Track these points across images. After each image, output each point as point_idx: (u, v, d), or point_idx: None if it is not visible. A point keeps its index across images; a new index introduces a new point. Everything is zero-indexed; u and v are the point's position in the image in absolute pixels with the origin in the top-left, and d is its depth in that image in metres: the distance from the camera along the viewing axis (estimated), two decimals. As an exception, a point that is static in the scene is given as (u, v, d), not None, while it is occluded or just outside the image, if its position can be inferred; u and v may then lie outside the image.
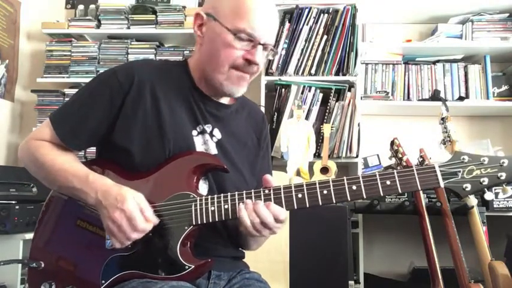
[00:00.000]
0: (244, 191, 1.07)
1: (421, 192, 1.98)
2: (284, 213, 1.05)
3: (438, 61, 2.95)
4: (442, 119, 1.99)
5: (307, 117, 2.70)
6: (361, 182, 1.03)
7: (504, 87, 2.92)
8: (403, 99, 2.89)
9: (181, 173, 1.12)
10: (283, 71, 2.76)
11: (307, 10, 2.77)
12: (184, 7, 2.90)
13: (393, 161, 2.05)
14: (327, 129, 2.63)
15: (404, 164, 1.94)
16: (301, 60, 2.75)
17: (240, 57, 1.13)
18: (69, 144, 1.17)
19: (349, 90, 2.75)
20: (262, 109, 2.49)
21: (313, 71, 2.75)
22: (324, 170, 2.55)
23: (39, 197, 2.29)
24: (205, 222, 1.07)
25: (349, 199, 1.04)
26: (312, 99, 2.73)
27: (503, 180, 0.99)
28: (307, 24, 2.76)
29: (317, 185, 1.04)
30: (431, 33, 2.98)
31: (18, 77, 3.11)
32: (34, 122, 2.89)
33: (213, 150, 1.19)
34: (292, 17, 2.79)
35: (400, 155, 1.98)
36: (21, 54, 3.13)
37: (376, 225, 2.81)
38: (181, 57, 2.88)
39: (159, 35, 2.95)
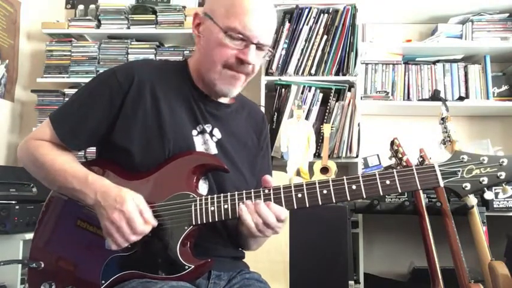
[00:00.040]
0: (244, 191, 1.07)
1: (421, 192, 1.99)
2: (285, 212, 1.05)
3: (438, 61, 2.95)
4: (442, 119, 1.99)
5: (307, 117, 2.70)
6: (361, 181, 1.03)
7: (504, 87, 2.92)
8: (403, 99, 2.89)
9: (181, 173, 1.12)
10: (283, 71, 2.76)
11: (307, 10, 2.77)
12: (184, 7, 2.91)
13: (393, 161, 2.05)
14: (327, 129, 2.63)
15: (404, 164, 1.95)
16: (301, 60, 2.75)
17: (232, 57, 1.13)
18: (68, 144, 1.17)
19: (349, 90, 2.75)
20: (262, 109, 2.50)
21: (313, 71, 2.75)
22: (324, 170, 2.55)
23: (39, 197, 2.29)
24: (205, 222, 1.07)
25: (348, 199, 1.04)
26: (312, 99, 2.73)
27: (502, 179, 0.99)
28: (307, 24, 2.76)
29: (317, 185, 1.04)
30: (431, 33, 2.98)
31: (18, 77, 3.11)
32: (34, 122, 2.90)
33: (213, 150, 1.19)
34: (292, 17, 2.79)
35: (400, 155, 1.98)
36: (21, 54, 3.13)
37: (376, 225, 2.81)
38: (181, 57, 2.88)
39: (159, 35, 2.95)
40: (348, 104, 2.72)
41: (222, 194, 1.08)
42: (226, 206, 1.07)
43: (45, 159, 1.14)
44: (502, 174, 0.99)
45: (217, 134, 1.21)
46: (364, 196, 1.03)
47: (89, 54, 2.93)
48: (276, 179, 1.10)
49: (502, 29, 2.86)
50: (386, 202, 2.27)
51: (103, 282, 1.08)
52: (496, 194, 2.39)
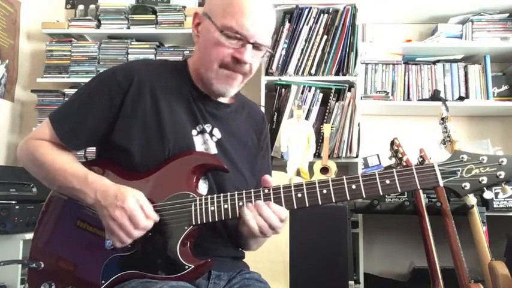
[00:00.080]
0: (244, 191, 1.07)
1: (421, 192, 1.99)
2: (285, 212, 1.05)
3: (438, 61, 2.95)
4: (442, 119, 1.99)
5: (307, 117, 2.70)
6: (361, 181, 1.03)
7: (504, 87, 2.92)
8: (403, 99, 2.89)
9: (181, 173, 1.12)
10: (283, 71, 2.76)
11: (307, 10, 2.77)
12: (184, 7, 2.91)
13: (393, 161, 2.05)
14: (327, 129, 2.63)
15: (404, 164, 1.95)
16: (301, 60, 2.75)
17: (228, 56, 1.13)
18: (68, 144, 1.17)
19: (349, 90, 2.75)
20: (262, 109, 2.50)
21: (313, 71, 2.75)
22: (324, 170, 2.55)
23: (39, 197, 2.29)
24: (205, 222, 1.07)
25: (348, 198, 1.04)
26: (312, 99, 2.73)
27: (502, 179, 0.99)
28: (307, 24, 2.76)
29: (316, 185, 1.04)
30: (431, 33, 2.98)
31: (18, 77, 3.11)
32: (34, 122, 2.89)
33: (213, 150, 1.19)
34: (292, 17, 2.79)
35: (400, 155, 1.98)
36: (21, 54, 3.13)
37: (376, 225, 2.81)
38: (181, 57, 2.88)
39: (159, 35, 2.95)
40: (348, 104, 2.72)
41: (222, 194, 1.08)
42: (226, 206, 1.07)
43: (45, 158, 1.14)
44: (502, 174, 0.99)
45: (217, 133, 1.21)
46: (364, 196, 1.03)
47: (89, 54, 2.93)
48: (276, 179, 1.10)
49: (502, 29, 2.86)
50: (386, 202, 2.27)
51: (103, 282, 1.08)
52: (496, 194, 2.39)
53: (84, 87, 1.21)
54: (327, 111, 2.73)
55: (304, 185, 1.05)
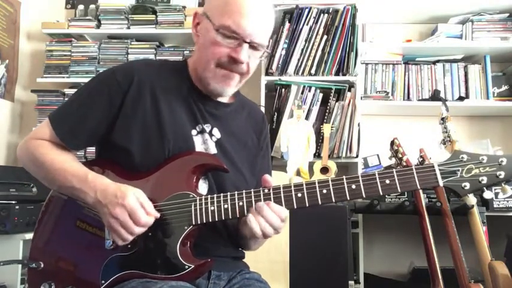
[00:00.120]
0: (244, 191, 1.07)
1: (421, 192, 1.98)
2: (285, 212, 1.05)
3: (438, 61, 2.95)
4: (442, 119, 1.99)
5: (307, 117, 2.70)
6: (361, 181, 1.03)
7: (504, 87, 2.92)
8: (403, 99, 2.89)
9: (181, 172, 1.12)
10: (283, 71, 2.76)
11: (307, 10, 2.77)
12: (184, 7, 2.91)
13: (393, 161, 2.05)
14: (327, 129, 2.63)
15: (404, 164, 1.94)
16: (301, 60, 2.75)
17: (225, 55, 1.13)
18: (68, 144, 1.17)
19: (349, 90, 2.75)
20: (262, 109, 2.50)
21: (313, 71, 2.75)
22: (324, 170, 2.55)
23: (39, 197, 2.29)
24: (205, 222, 1.07)
25: (348, 198, 1.04)
26: (312, 99, 2.73)
27: (502, 178, 0.99)
28: (307, 24, 2.76)
29: (316, 185, 1.04)
30: (431, 33, 2.98)
31: (18, 77, 3.11)
32: (34, 122, 2.89)
33: (213, 150, 1.19)
34: (292, 17, 2.79)
35: (400, 155, 1.98)
36: (21, 54, 3.13)
37: (376, 225, 2.81)
38: (181, 57, 2.88)
39: (159, 35, 2.95)
40: (348, 104, 2.72)
41: (221, 194, 1.08)
42: (226, 206, 1.07)
43: (45, 158, 1.14)
44: (501, 174, 0.99)
45: (217, 133, 1.21)
46: (364, 196, 1.03)
47: (89, 54, 2.93)
48: (276, 179, 1.10)
49: (502, 29, 2.86)
50: (386, 202, 2.27)
51: (103, 282, 1.08)
52: (496, 194, 2.39)
53: (84, 87, 1.21)
54: (327, 111, 2.73)
55: (304, 185, 1.05)
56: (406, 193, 2.23)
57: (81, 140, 1.18)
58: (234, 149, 1.23)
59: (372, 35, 2.97)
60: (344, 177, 1.04)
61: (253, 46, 1.14)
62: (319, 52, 2.74)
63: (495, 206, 2.42)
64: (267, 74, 2.76)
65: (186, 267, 1.05)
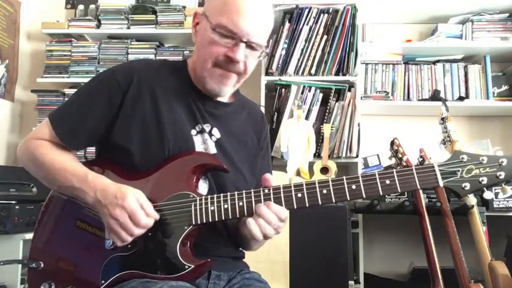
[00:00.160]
0: (244, 191, 1.07)
1: (421, 192, 1.99)
2: (285, 212, 1.05)
3: (438, 61, 2.95)
4: (442, 119, 1.99)
5: (307, 117, 2.70)
6: (361, 181, 1.03)
7: (504, 87, 2.92)
8: (403, 99, 2.89)
9: (181, 173, 1.12)
10: (283, 71, 2.76)
11: (307, 10, 2.77)
12: (184, 7, 2.91)
13: (393, 161, 2.05)
14: (327, 129, 2.63)
15: (404, 164, 1.95)
16: (301, 60, 2.75)
17: (221, 54, 1.12)
18: (68, 144, 1.17)
19: (349, 90, 2.75)
20: (262, 109, 2.49)
21: (313, 71, 2.75)
22: (324, 170, 2.55)
23: (39, 197, 2.29)
24: (205, 222, 1.07)
25: (348, 198, 1.04)
26: (312, 99, 2.73)
27: (502, 179, 0.99)
28: (307, 24, 2.76)
29: (316, 185, 1.04)
30: (431, 33, 2.98)
31: (18, 77, 3.11)
32: (34, 122, 2.90)
33: (212, 150, 1.19)
34: (292, 17, 2.79)
35: (400, 155, 1.98)
36: (21, 54, 3.13)
37: (376, 225, 2.81)
38: (181, 57, 2.89)
39: (159, 35, 2.95)
40: (348, 104, 2.72)
41: (221, 194, 1.08)
42: (226, 206, 1.07)
43: (45, 158, 1.14)
44: (502, 174, 0.99)
45: (217, 133, 1.21)
46: (364, 196, 1.03)
47: (89, 54, 2.93)
48: (276, 179, 1.10)
49: (502, 29, 2.86)
50: (386, 202, 2.27)
51: (103, 282, 1.08)
52: (496, 194, 2.39)
53: (83, 87, 1.21)
54: (327, 111, 2.73)
55: (304, 185, 1.05)
56: (406, 193, 2.23)
57: (81, 140, 1.18)
58: (234, 149, 1.23)
59: (371, 35, 2.97)
60: (344, 177, 1.04)
61: (250, 46, 1.13)
62: (319, 52, 2.74)
63: (495, 206, 2.42)
64: (267, 74, 2.76)
65: (186, 267, 1.05)
